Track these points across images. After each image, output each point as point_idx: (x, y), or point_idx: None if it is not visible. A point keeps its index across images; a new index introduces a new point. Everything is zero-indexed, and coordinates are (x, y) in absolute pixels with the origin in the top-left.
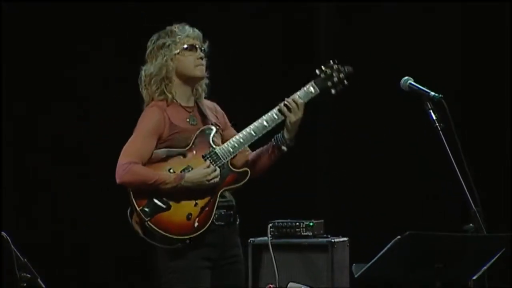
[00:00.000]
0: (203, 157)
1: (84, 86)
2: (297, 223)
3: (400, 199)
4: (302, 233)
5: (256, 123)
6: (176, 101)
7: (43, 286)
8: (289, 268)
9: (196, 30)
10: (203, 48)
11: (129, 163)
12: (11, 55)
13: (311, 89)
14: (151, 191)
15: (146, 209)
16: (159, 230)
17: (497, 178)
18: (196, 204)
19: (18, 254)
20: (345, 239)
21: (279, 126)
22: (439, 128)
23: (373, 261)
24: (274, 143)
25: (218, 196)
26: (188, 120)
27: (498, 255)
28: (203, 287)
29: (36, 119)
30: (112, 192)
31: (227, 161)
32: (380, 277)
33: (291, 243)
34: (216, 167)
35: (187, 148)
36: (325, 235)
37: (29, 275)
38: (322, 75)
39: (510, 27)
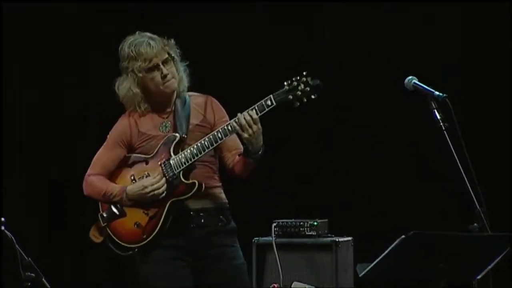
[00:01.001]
0: (159, 165)
1: (84, 87)
2: (301, 223)
3: (404, 198)
4: (306, 233)
5: (211, 135)
6: (151, 109)
7: (48, 286)
8: (293, 268)
9: (152, 44)
10: (172, 56)
11: (89, 175)
12: (11, 55)
13: (268, 102)
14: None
15: (104, 215)
16: (113, 236)
17: (501, 178)
18: (145, 213)
19: (23, 253)
20: (349, 238)
21: None
22: (444, 128)
23: (377, 260)
24: (241, 154)
25: (167, 206)
26: (160, 127)
27: (503, 255)
28: (174, 286)
29: (36, 119)
30: None
31: (179, 172)
32: (384, 276)
33: (295, 242)
34: (162, 178)
35: (151, 155)
36: (329, 235)
37: (33, 275)
38: (286, 87)
39: (511, 26)
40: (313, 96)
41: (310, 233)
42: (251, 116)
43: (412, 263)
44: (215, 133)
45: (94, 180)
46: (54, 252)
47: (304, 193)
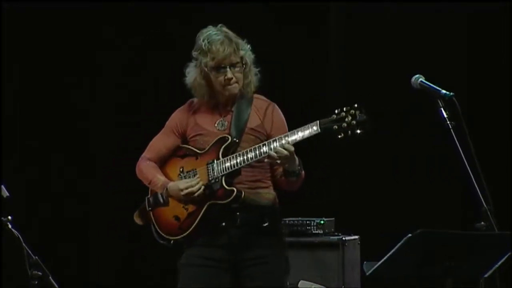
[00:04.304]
0: (206, 164)
1: (83, 89)
2: (308, 221)
3: (411, 196)
4: (313, 231)
5: (257, 147)
6: (215, 103)
7: (54, 284)
8: (300, 266)
9: (225, 45)
10: (243, 61)
11: (141, 158)
12: (12, 55)
13: (314, 127)
14: None
15: (150, 199)
16: (154, 223)
17: (508, 176)
18: (185, 208)
19: (29, 251)
20: (356, 237)
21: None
22: (450, 126)
23: (384, 259)
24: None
25: (205, 208)
26: (216, 124)
27: (510, 253)
28: (193, 286)
29: (37, 119)
30: (113, 192)
31: (221, 176)
32: (391, 275)
33: (302, 241)
34: (198, 181)
35: (202, 151)
36: (336, 233)
37: (40, 273)
38: (333, 116)
39: None
40: (358, 131)
41: (317, 231)
42: (283, 151)
43: (419, 262)
44: (261, 146)
45: (145, 166)
46: (56, 251)
47: (310, 191)
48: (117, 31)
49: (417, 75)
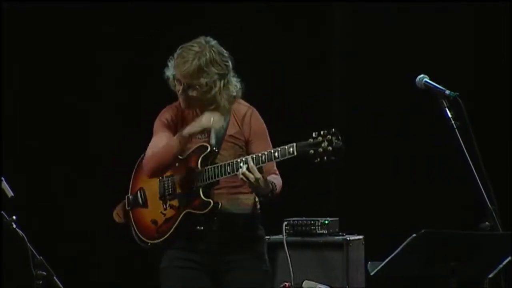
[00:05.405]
0: (185, 172)
1: (83, 89)
2: (312, 221)
3: (415, 196)
4: (317, 231)
5: (234, 162)
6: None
7: (59, 284)
8: (304, 266)
9: (188, 64)
10: (196, 86)
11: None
12: (12, 55)
13: (291, 149)
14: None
15: (130, 198)
16: (133, 223)
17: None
18: (163, 213)
19: (34, 251)
20: (360, 237)
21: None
22: (455, 126)
23: (388, 259)
24: None
25: (181, 216)
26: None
27: None
28: (177, 286)
29: (37, 119)
30: (113, 192)
31: (198, 187)
32: (395, 275)
33: (306, 241)
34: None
35: (182, 157)
36: (340, 233)
37: (45, 273)
38: (310, 140)
39: None
40: (333, 158)
41: (321, 231)
42: (250, 176)
43: (423, 262)
44: (239, 161)
45: (151, 151)
46: (56, 251)
47: (314, 191)
48: (117, 31)
49: (421, 75)
